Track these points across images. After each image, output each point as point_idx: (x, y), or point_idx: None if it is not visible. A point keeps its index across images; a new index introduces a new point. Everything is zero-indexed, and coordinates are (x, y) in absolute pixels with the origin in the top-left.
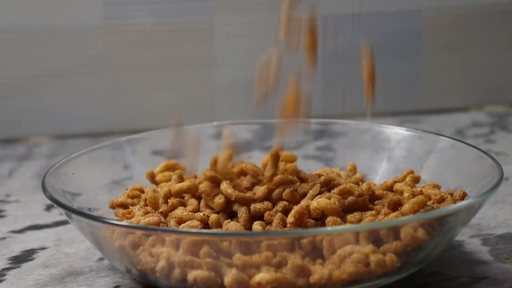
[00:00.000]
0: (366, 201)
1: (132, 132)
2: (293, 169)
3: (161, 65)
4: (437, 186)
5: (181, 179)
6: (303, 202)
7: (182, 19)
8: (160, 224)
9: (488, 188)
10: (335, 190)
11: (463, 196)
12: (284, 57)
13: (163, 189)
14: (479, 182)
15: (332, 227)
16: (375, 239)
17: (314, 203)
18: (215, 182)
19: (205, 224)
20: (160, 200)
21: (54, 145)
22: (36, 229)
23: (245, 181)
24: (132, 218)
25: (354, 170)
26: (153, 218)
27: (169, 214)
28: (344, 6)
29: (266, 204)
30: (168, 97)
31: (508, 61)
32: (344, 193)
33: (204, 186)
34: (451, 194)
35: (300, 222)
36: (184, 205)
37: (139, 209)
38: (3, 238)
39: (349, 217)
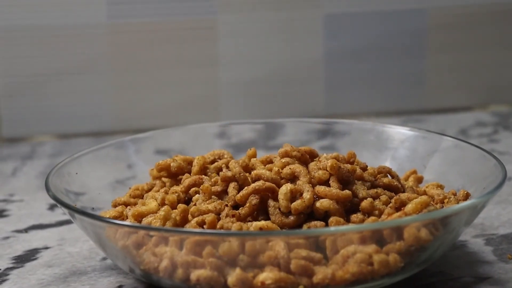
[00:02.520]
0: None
1: (135, 131)
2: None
3: (165, 64)
4: (440, 186)
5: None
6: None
7: (186, 18)
8: None
9: (491, 188)
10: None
11: (467, 196)
12: None
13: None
14: (482, 182)
15: (335, 227)
16: (379, 239)
17: (317, 204)
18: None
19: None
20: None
21: (57, 144)
22: (39, 228)
23: None
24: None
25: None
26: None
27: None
28: (345, 6)
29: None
30: (172, 96)
31: None
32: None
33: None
34: (455, 194)
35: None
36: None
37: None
38: (7, 238)
39: (353, 217)
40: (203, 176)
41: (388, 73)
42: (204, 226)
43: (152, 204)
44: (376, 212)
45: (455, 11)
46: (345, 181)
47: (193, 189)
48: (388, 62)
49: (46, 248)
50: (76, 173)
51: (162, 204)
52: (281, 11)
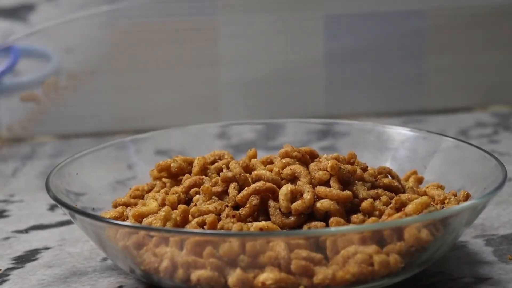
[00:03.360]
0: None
1: (136, 131)
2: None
3: (165, 64)
4: (440, 187)
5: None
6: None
7: (186, 18)
8: None
9: (492, 189)
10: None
11: (467, 197)
12: None
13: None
14: (482, 183)
15: (335, 227)
16: (379, 239)
17: (317, 204)
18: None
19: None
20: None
21: (58, 145)
22: (40, 229)
23: None
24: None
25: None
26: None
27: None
28: (345, 6)
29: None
30: (172, 97)
31: None
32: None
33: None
34: (455, 195)
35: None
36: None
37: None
38: (7, 238)
39: (353, 217)
40: (204, 176)
41: (388, 73)
42: (205, 227)
43: (152, 204)
44: (377, 212)
45: (455, 12)
46: (346, 181)
47: (193, 189)
48: (388, 62)
49: (47, 248)
50: (77, 174)
51: (163, 204)
52: (281, 12)
